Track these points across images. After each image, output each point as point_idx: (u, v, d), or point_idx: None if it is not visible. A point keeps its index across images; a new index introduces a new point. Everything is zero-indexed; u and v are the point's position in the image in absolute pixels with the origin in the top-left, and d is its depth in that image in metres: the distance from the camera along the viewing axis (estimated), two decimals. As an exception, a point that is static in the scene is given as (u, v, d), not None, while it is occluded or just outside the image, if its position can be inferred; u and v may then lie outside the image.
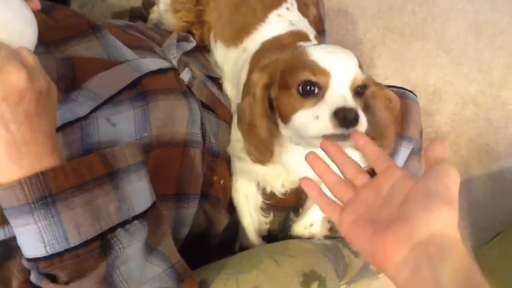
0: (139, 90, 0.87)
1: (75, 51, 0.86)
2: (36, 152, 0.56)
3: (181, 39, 1.11)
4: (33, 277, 0.60)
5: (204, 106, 1.02)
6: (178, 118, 0.90)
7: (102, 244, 0.60)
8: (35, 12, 0.64)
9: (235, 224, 1.09)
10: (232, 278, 0.81)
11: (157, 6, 1.32)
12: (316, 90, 0.75)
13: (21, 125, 0.54)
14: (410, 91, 1.13)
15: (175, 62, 1.00)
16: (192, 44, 1.13)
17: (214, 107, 1.04)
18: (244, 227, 1.08)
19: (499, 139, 1.86)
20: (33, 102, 0.55)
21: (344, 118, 0.69)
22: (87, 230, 0.59)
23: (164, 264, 0.70)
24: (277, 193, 1.05)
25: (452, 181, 0.53)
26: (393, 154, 1.05)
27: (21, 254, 0.59)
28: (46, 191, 0.56)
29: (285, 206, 1.13)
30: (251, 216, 1.08)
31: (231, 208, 1.08)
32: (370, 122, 0.78)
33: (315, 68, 0.75)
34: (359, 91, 0.77)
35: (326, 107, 0.72)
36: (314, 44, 0.84)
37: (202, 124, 0.97)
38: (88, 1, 1.28)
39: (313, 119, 0.73)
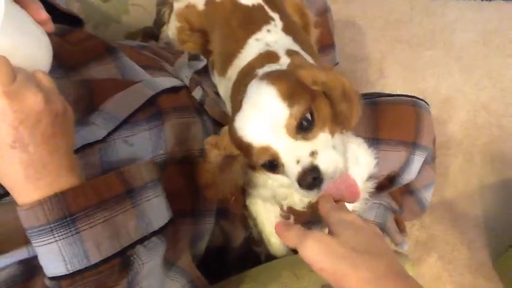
0: (155, 109, 0.88)
1: (92, 73, 0.88)
2: (54, 173, 0.57)
3: (192, 58, 1.12)
4: (55, 296, 0.61)
5: (216, 123, 1.03)
6: (192, 135, 0.91)
7: (122, 261, 0.61)
8: (50, 35, 0.65)
9: (250, 239, 1.09)
10: (251, 291, 0.81)
11: (167, 26, 1.34)
12: (275, 162, 0.76)
13: (39, 147, 0.55)
14: (422, 100, 1.12)
15: (187, 81, 1.01)
16: (202, 62, 1.14)
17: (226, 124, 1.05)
18: (266, 236, 1.06)
19: (513, 145, 1.84)
20: (50, 124, 0.56)
21: (311, 186, 0.71)
22: (107, 248, 0.59)
23: (183, 279, 0.71)
24: (297, 207, 1.02)
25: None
26: (407, 162, 1.05)
27: (44, 273, 0.60)
28: (66, 211, 0.56)
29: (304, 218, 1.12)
30: (272, 224, 1.04)
31: (247, 223, 1.07)
32: (333, 113, 0.78)
33: (255, 152, 0.76)
34: (304, 125, 0.74)
35: (292, 177, 0.74)
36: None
37: None
38: (102, 22, 1.30)
39: (293, 189, 0.77)
